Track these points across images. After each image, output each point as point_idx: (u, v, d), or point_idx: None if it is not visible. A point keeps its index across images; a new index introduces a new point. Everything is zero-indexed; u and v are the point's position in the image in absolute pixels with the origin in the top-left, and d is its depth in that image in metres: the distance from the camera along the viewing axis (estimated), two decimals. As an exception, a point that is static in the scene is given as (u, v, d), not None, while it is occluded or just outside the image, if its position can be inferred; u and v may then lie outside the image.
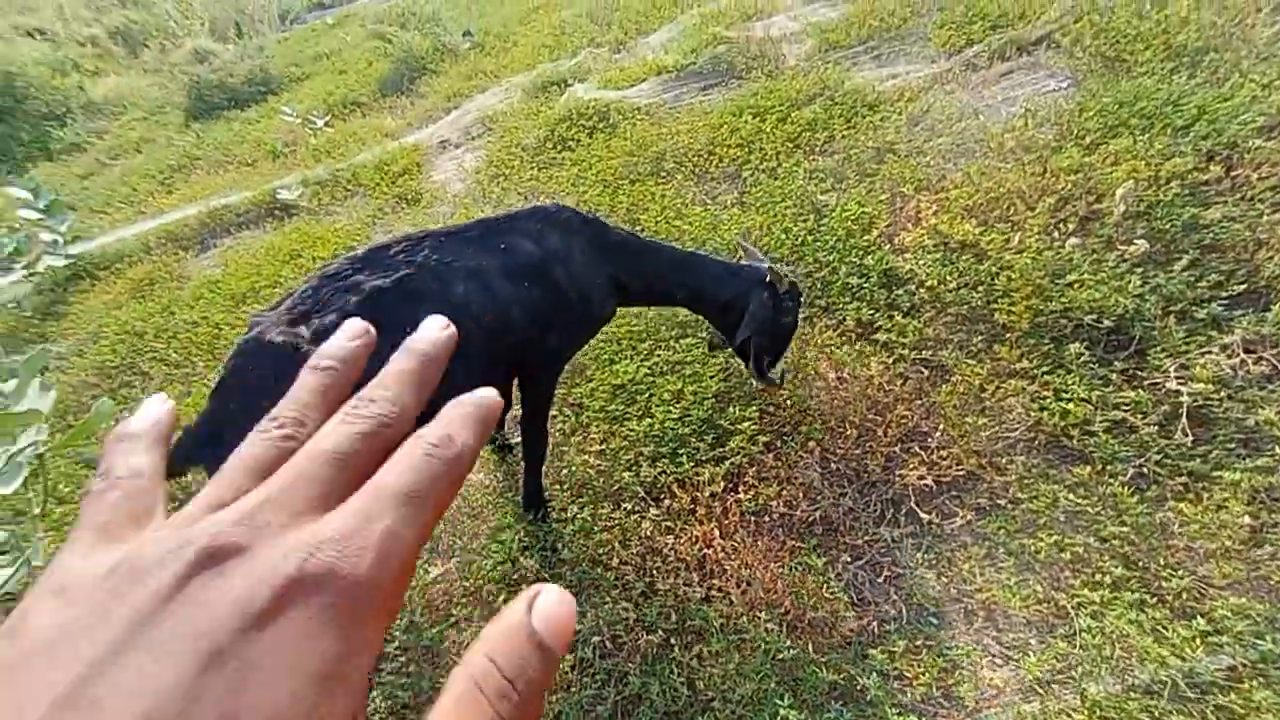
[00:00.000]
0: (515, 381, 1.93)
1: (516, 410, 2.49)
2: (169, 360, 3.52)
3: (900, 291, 2.32)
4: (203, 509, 0.24)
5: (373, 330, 0.33)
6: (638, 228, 3.08)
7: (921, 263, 2.34)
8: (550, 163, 4.03)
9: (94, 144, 8.93)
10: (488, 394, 0.29)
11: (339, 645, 0.20)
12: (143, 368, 3.57)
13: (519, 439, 2.42)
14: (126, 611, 0.19)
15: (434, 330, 0.31)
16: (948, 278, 2.25)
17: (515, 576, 1.97)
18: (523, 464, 2.09)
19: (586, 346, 2.54)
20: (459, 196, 4.23)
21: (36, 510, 1.60)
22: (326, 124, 6.37)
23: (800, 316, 1.94)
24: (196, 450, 1.35)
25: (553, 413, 2.38)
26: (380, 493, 0.23)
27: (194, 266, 4.66)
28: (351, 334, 0.32)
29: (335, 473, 0.24)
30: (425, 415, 0.29)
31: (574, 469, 2.22)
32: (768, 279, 1.82)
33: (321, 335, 1.38)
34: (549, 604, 0.22)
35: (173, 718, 0.17)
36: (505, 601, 1.71)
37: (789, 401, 2.16)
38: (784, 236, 2.67)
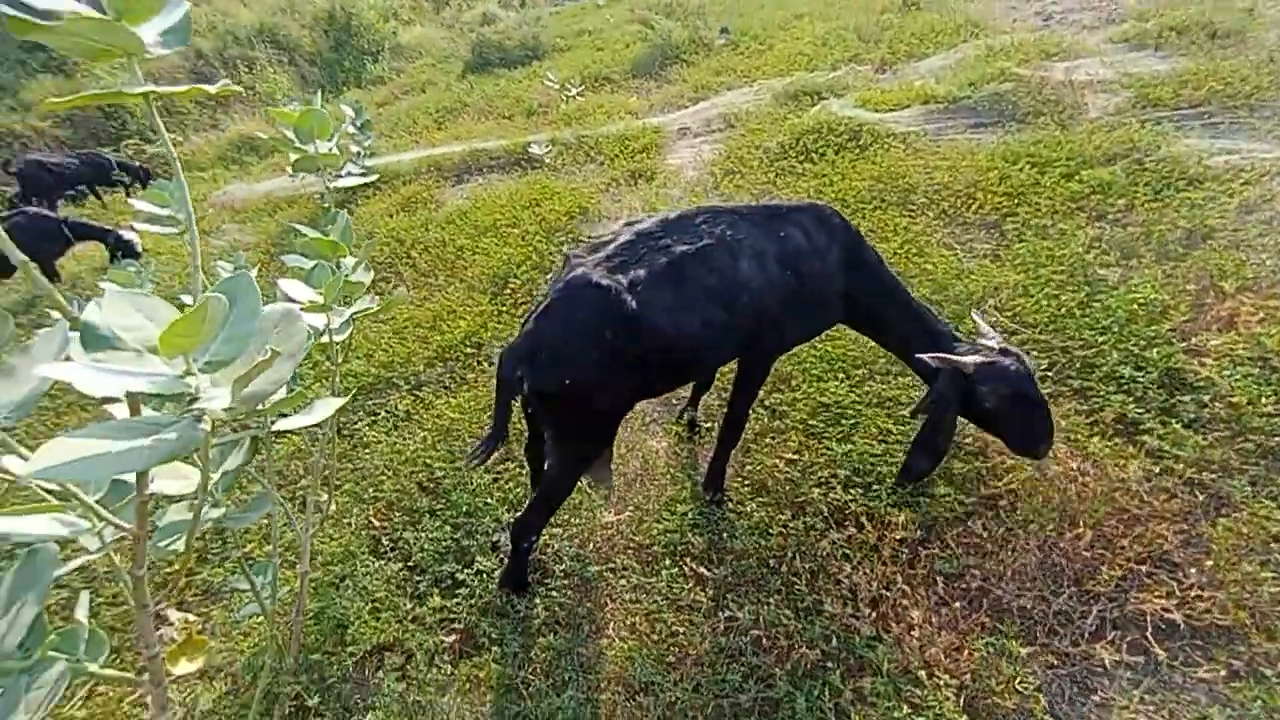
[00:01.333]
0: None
1: (710, 396, 2.57)
2: (419, 268, 4.10)
3: (1186, 399, 1.98)
4: None
5: None
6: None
7: (1226, 373, 1.98)
8: (789, 170, 4.02)
9: (393, 79, 10.60)
10: None
11: None
12: (398, 269, 4.20)
13: (707, 423, 2.50)
14: None
15: None
16: (1261, 398, 1.88)
17: (680, 548, 2.04)
18: (715, 445, 2.15)
19: (796, 358, 2.55)
20: (691, 183, 4.39)
21: (340, 360, 1.92)
22: (579, 94, 6.93)
23: (1032, 408, 1.71)
24: (519, 369, 1.58)
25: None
26: None
27: (450, 195, 5.36)
28: None
29: None
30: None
31: (759, 469, 2.23)
32: (970, 370, 1.67)
33: (635, 285, 1.54)
34: None
35: None
36: (669, 568, 1.76)
37: (1010, 475, 1.97)
38: (1046, 303, 2.41)
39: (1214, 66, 3.61)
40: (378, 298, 1.85)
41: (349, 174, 3.01)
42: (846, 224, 1.90)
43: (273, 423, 1.30)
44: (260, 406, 1.16)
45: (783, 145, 4.25)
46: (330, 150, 2.12)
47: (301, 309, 1.63)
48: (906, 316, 1.89)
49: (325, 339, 1.71)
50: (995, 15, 5.70)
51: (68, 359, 0.83)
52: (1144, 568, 1.69)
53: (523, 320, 1.70)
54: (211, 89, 0.93)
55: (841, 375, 2.43)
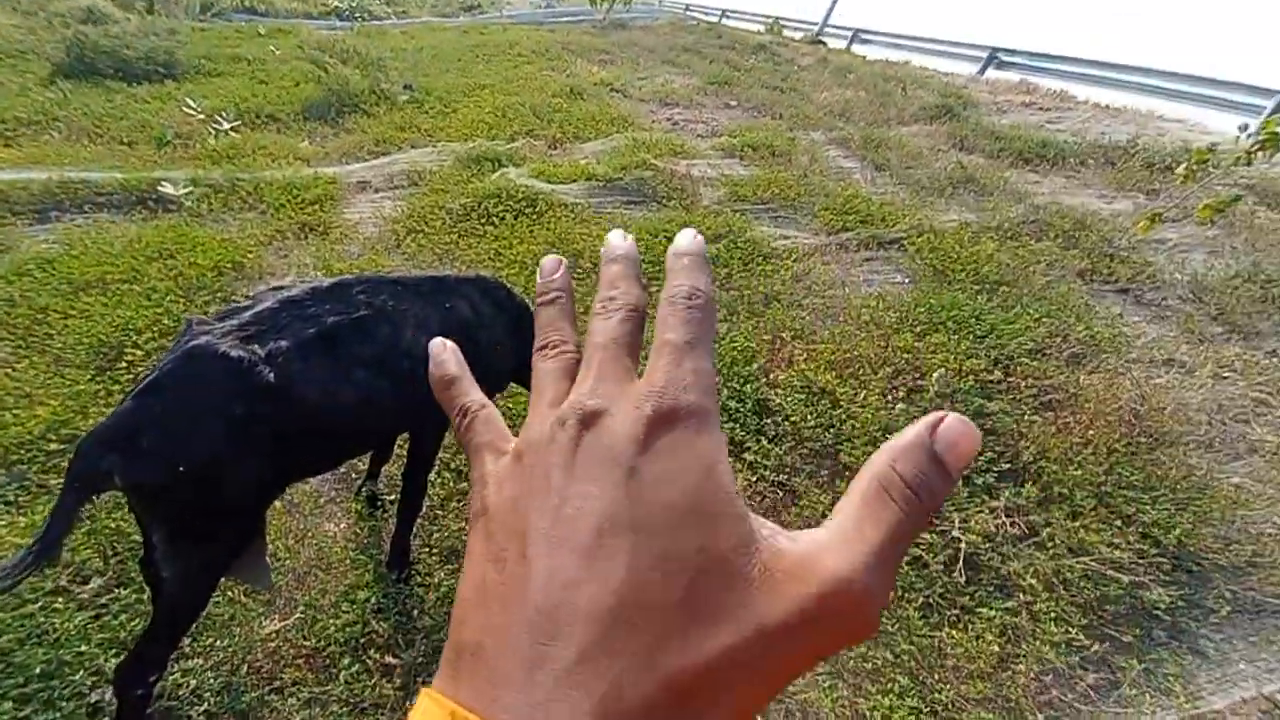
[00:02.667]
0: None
1: (390, 467, 2.45)
2: (-36, 337, 2.99)
3: (769, 420, 2.70)
4: (544, 409, 0.31)
5: (565, 261, 0.39)
6: (550, 313, 3.29)
7: (789, 399, 2.75)
8: (471, 232, 4.18)
9: (-83, 68, 7.59)
10: (694, 237, 0.35)
11: (708, 443, 0.27)
12: (-76, 339, 2.98)
13: (390, 495, 2.37)
14: (560, 462, 0.27)
15: (620, 240, 0.37)
16: (808, 416, 2.67)
17: (363, 640, 1.88)
18: (394, 520, 2.06)
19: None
20: (370, 239, 4.20)
21: None
22: (233, 128, 6.04)
23: None
24: (106, 458, 1.26)
25: (431, 475, 2.38)
26: (672, 348, 0.29)
27: (23, 236, 4.05)
28: (556, 267, 0.38)
29: (625, 351, 0.31)
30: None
31: (447, 535, 2.22)
32: None
33: (275, 356, 1.39)
34: (952, 428, 0.25)
35: (623, 514, 0.25)
36: (348, 667, 1.65)
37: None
38: (679, 351, 3.01)
39: (774, 175, 5.06)
40: None
41: None
42: (514, 295, 2.04)
43: None
44: None
45: (465, 207, 4.40)
46: None
47: None
48: None
49: None
50: (639, 115, 6.97)
51: None
52: (750, 555, 2.20)
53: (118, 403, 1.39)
54: None
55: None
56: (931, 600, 2.07)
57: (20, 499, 2.19)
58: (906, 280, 3.93)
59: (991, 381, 2.91)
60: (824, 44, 12.41)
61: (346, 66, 7.65)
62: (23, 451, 2.35)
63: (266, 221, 4.33)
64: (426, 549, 2.17)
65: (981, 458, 2.53)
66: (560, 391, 0.32)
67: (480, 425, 0.34)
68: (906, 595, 2.08)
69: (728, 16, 15.72)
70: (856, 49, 12.19)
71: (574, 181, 4.92)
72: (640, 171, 4.94)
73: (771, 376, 2.92)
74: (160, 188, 4.47)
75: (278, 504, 2.29)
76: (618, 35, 11.95)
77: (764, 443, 2.59)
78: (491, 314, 1.93)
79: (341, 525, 2.32)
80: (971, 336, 3.18)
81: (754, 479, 2.47)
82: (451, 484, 2.42)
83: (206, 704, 1.70)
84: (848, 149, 6.24)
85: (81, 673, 1.69)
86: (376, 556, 2.16)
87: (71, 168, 4.88)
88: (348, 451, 1.83)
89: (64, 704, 1.62)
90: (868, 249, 4.22)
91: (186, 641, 1.79)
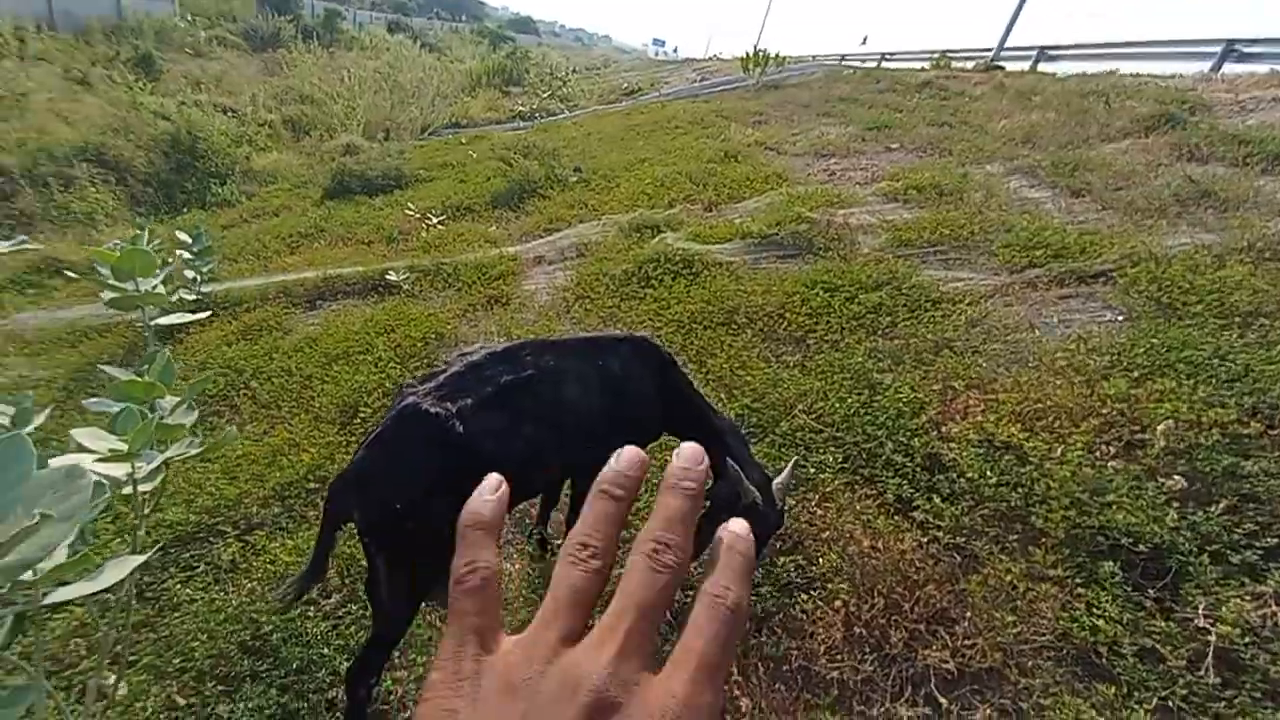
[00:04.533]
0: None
1: (558, 512, 2.66)
2: (259, 399, 3.89)
3: (941, 477, 2.45)
4: (554, 641, 0.30)
5: (648, 459, 0.37)
6: (704, 369, 3.38)
7: (965, 454, 2.49)
8: (632, 295, 4.49)
9: (242, 203, 10.33)
10: (748, 540, 0.33)
11: None
12: (235, 401, 3.95)
13: (558, 539, 2.58)
14: None
15: (694, 462, 0.35)
16: (988, 473, 2.39)
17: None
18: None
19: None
20: (544, 307, 4.72)
21: (145, 511, 1.81)
22: (440, 222, 7.26)
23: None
24: (347, 498, 1.60)
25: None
26: (700, 663, 0.28)
27: (299, 321, 5.22)
28: (633, 463, 0.36)
29: (657, 625, 0.30)
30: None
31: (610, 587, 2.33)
32: (747, 500, 1.82)
33: (464, 414, 1.66)
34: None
35: None
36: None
37: (821, 559, 2.25)
38: (838, 404, 2.90)
39: (943, 216, 4.74)
40: (198, 439, 1.79)
41: (178, 308, 2.87)
42: (661, 353, 2.17)
43: (45, 594, 1.19)
44: (28, 576, 1.07)
45: (626, 272, 4.75)
46: (155, 289, 2.08)
47: (99, 460, 1.53)
48: (710, 433, 2.08)
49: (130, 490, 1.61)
50: (794, 170, 7.02)
51: None
52: (924, 626, 1.99)
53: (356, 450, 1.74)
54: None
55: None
56: (1171, 704, 1.68)
57: (289, 526, 2.76)
58: (1119, 317, 3.37)
59: (1247, 436, 2.35)
60: (1001, 68, 11.52)
61: (527, 159, 8.87)
62: (291, 489, 2.97)
63: (461, 296, 5.08)
64: (589, 592, 2.30)
65: (1238, 529, 2.04)
66: (573, 623, 0.31)
67: (478, 598, 0.32)
68: (1136, 694, 1.71)
69: (888, 59, 15.36)
70: (1044, 67, 11.11)
71: (729, 240, 5.08)
72: (795, 225, 4.95)
73: (944, 429, 2.67)
74: (387, 276, 5.49)
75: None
76: (771, 96, 12.27)
77: (936, 501, 2.36)
78: (640, 370, 2.07)
79: (517, 565, 2.55)
80: (1214, 381, 2.62)
81: (924, 540, 2.25)
82: (612, 531, 2.55)
83: (409, 711, 1.94)
84: (1034, 178, 5.64)
85: (324, 671, 2.05)
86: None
87: (331, 266, 6.22)
88: (523, 494, 2.05)
89: (312, 696, 1.98)
90: (1062, 286, 3.73)
91: (395, 655, 2.09)
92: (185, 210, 10.20)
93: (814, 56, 17.49)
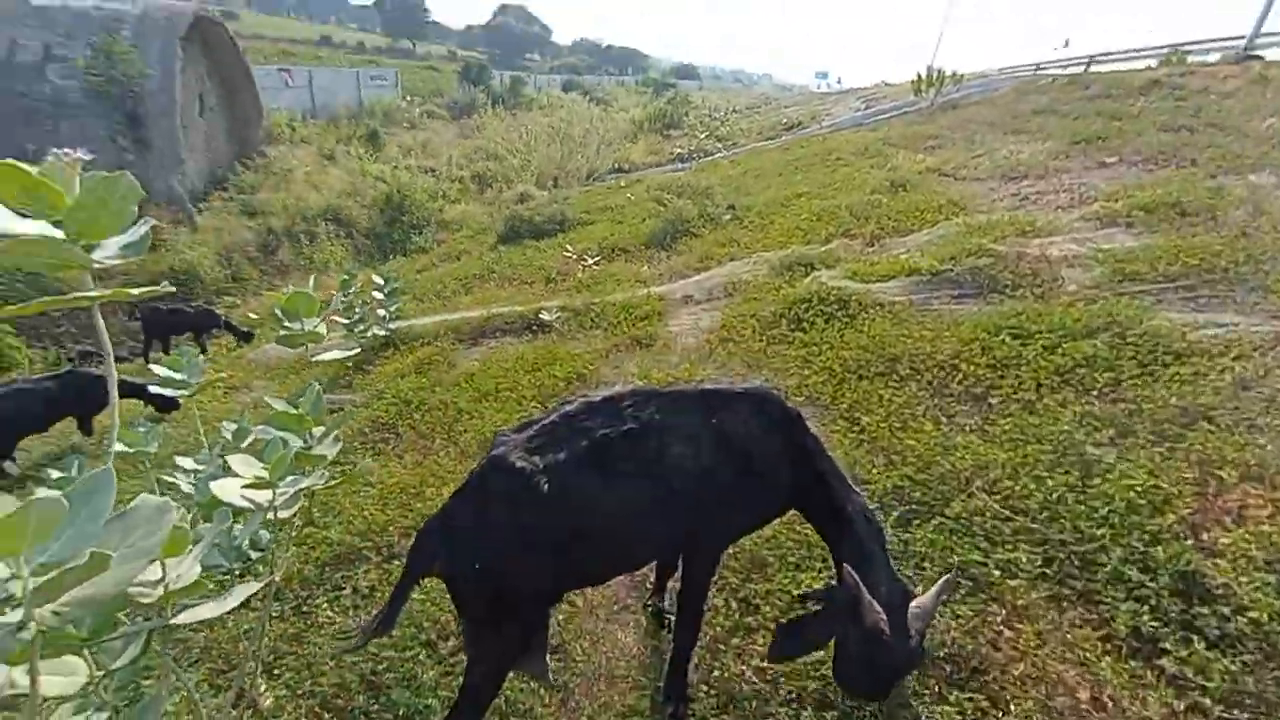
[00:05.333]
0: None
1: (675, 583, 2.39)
2: (418, 429, 4.18)
3: (1205, 610, 1.75)
4: None
5: None
6: (857, 428, 2.92)
7: (1244, 580, 1.76)
8: (781, 339, 4.13)
9: (434, 249, 11.78)
10: None
11: None
12: (400, 429, 4.29)
13: (674, 613, 2.30)
14: None
15: None
16: (1287, 613, 1.65)
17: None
18: (672, 645, 1.95)
19: (773, 541, 2.39)
20: (688, 350, 4.53)
21: (290, 533, 1.88)
22: (595, 262, 7.51)
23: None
24: (431, 549, 1.53)
25: (716, 603, 2.22)
26: None
27: (463, 357, 5.62)
28: None
29: None
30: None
31: (727, 676, 1.99)
32: (868, 624, 1.40)
33: (551, 469, 1.50)
34: None
35: None
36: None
37: (1013, 704, 1.69)
38: (1034, 485, 2.27)
39: (1187, 242, 3.72)
40: (342, 470, 1.84)
41: (337, 345, 3.18)
42: (786, 408, 1.82)
43: (174, 613, 1.24)
44: (150, 596, 1.12)
45: (775, 314, 4.41)
46: (314, 329, 2.24)
47: (245, 485, 1.61)
48: (837, 516, 1.71)
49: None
50: (975, 197, 6.15)
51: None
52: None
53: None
54: (134, 292, 0.96)
55: (820, 564, 2.25)
56: None
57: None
58: None
59: None
60: (1258, 58, 9.28)
61: (680, 199, 8.93)
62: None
63: (607, 336, 5.10)
64: (705, 687, 1.98)
65: None
66: None
67: None
68: None
69: (1097, 62, 13.29)
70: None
71: (892, 278, 4.51)
72: (974, 259, 4.24)
73: (1206, 537, 1.94)
74: (541, 314, 5.73)
75: (578, 602, 2.43)
76: (947, 118, 11.15)
77: (1197, 646, 1.67)
78: (761, 430, 1.75)
79: (632, 635, 2.32)
80: None
81: (1179, 706, 1.58)
82: (738, 615, 2.21)
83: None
84: (1325, 189, 4.28)
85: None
86: (656, 681, 2.06)
87: (495, 305, 6.69)
88: (620, 563, 1.82)
89: (413, 749, 1.91)
90: (1396, 334, 2.65)
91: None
92: (391, 257, 11.89)
93: (999, 70, 15.68)
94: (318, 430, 2.04)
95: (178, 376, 2.04)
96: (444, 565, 1.52)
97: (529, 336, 5.69)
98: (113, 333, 7.39)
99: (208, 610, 1.27)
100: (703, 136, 16.58)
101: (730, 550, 2.27)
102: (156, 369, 2.01)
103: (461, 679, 1.68)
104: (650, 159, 16.14)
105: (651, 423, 1.65)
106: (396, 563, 2.87)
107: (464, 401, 4.39)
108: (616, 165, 15.33)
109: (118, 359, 7.18)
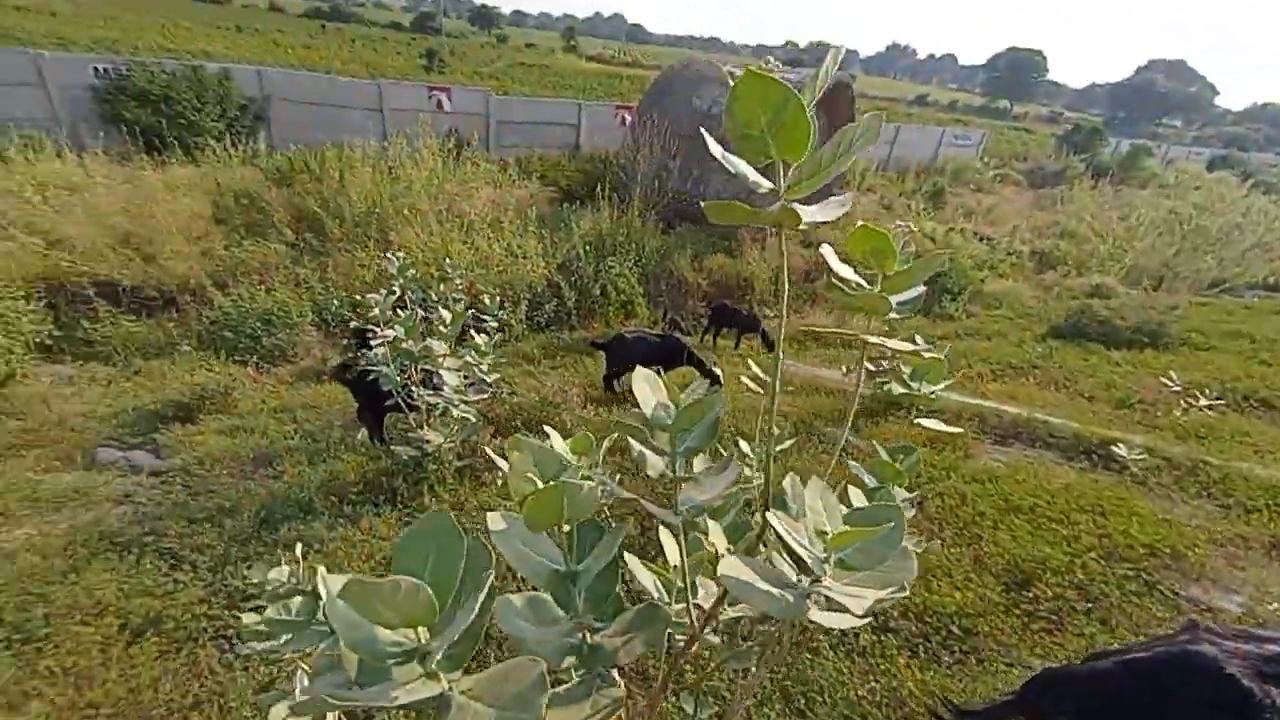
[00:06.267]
0: None
1: None
2: (927, 510, 3.86)
3: None
4: None
5: None
6: None
7: None
8: None
9: (961, 318, 10.99)
10: None
11: None
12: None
13: None
14: None
15: None
16: None
17: None
18: None
19: None
20: None
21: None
22: (1210, 406, 5.49)
23: None
24: (1061, 699, 1.30)
25: None
26: None
27: (984, 451, 4.96)
28: None
29: None
30: None
31: None
32: None
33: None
34: None
35: None
36: None
37: None
38: None
39: None
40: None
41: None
42: None
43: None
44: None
45: None
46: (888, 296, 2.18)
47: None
48: None
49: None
50: None
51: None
52: None
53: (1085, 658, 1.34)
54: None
55: None
56: None
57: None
58: None
59: None
60: None
61: None
62: (937, 618, 2.75)
63: (1229, 520, 3.62)
64: None
65: None
66: None
67: None
68: None
69: None
70: None
71: None
72: None
73: None
74: (1113, 447, 4.52)
75: None
76: None
77: None
78: None
79: None
80: None
81: None
82: None
83: None
84: None
85: None
86: None
87: (1036, 409, 5.69)
88: None
89: None
90: None
91: None
92: (911, 314, 11.71)
93: None
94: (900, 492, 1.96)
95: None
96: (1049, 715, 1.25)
97: (1084, 465, 4.58)
98: (691, 315, 9.52)
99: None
100: None
101: None
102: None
103: None
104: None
105: None
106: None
107: (985, 504, 3.84)
108: (1268, 279, 10.98)
109: (685, 332, 9.28)
